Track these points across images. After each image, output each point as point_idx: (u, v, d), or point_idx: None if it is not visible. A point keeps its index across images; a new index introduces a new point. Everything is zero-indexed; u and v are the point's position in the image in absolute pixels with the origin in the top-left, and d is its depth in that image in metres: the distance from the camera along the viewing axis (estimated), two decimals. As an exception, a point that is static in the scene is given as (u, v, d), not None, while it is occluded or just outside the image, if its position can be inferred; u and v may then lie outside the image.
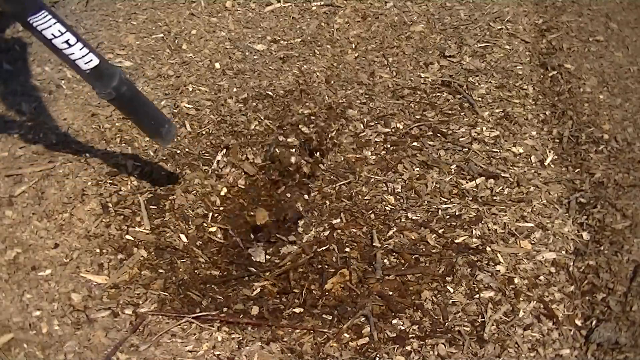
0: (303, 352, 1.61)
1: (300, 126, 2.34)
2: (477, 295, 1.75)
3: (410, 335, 1.65)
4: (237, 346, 1.60)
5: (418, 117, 2.40)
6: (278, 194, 2.19)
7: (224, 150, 2.25)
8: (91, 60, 1.59)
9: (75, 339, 1.59)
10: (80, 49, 1.56)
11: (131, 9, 2.90)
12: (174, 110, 2.37)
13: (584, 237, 1.92)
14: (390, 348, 1.61)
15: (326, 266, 1.87)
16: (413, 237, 1.93)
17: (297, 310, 1.76)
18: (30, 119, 2.24)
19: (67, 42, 1.54)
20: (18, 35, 2.72)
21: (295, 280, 1.87)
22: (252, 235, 2.05)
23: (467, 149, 2.23)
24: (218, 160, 2.22)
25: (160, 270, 1.84)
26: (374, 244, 1.91)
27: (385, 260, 1.86)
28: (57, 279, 1.72)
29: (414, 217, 2.00)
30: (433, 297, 1.75)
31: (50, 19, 1.50)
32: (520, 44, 2.78)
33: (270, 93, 2.52)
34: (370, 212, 2.02)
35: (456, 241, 1.91)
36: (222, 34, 2.82)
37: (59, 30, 1.52)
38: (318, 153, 2.26)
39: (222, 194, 2.13)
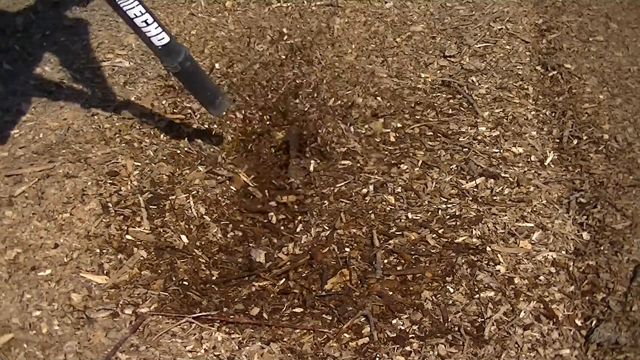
0: (303, 352, 1.61)
1: (300, 126, 2.34)
2: (477, 295, 1.75)
3: (410, 335, 1.65)
4: (237, 346, 1.60)
5: (418, 117, 2.40)
6: (278, 194, 2.19)
7: (224, 150, 2.25)
8: (163, 37, 1.83)
9: (75, 339, 1.59)
10: (156, 28, 1.81)
11: (131, 9, 2.90)
12: (174, 110, 2.38)
13: (584, 237, 1.92)
14: (390, 348, 1.61)
15: (326, 266, 1.87)
16: (413, 237, 1.93)
17: (297, 310, 1.76)
18: (30, 119, 2.24)
19: (145, 21, 1.78)
20: (18, 35, 2.72)
21: (295, 280, 1.87)
22: (252, 235, 2.06)
23: (467, 149, 2.23)
24: (218, 160, 2.22)
25: (160, 270, 1.84)
26: (374, 244, 1.91)
27: (385, 260, 1.86)
28: (57, 279, 1.72)
29: (414, 217, 2.00)
30: (433, 297, 1.75)
31: (134, 1, 1.74)
32: (520, 44, 2.78)
33: (270, 93, 2.52)
34: (370, 212, 2.02)
35: (456, 241, 1.91)
36: (222, 34, 2.82)
37: (140, 11, 1.76)
38: (318, 153, 2.26)
39: (222, 193, 2.13)
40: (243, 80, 2.58)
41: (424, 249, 1.90)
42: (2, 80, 2.43)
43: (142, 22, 1.78)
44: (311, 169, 2.21)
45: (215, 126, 2.35)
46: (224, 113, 2.15)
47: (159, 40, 1.84)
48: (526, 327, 1.66)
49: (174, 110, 2.38)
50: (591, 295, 1.75)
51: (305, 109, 2.43)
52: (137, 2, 1.75)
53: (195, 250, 1.94)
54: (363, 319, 1.69)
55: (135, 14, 1.76)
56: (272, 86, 2.55)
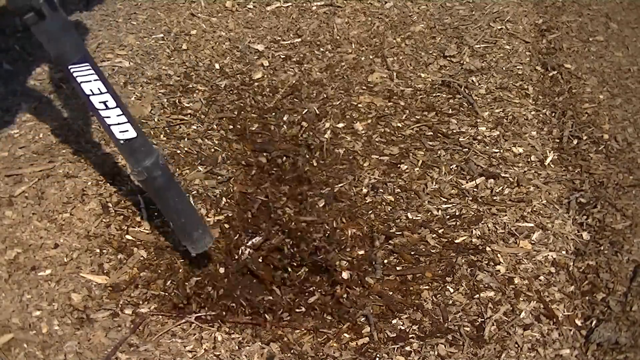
0: (303, 352, 1.61)
1: (300, 126, 2.34)
2: (477, 295, 1.75)
3: (410, 335, 1.65)
4: (237, 346, 1.60)
5: (418, 117, 2.40)
6: (278, 193, 2.19)
7: (225, 150, 2.25)
8: (127, 130, 1.47)
9: (75, 339, 1.59)
10: (118, 115, 1.44)
11: (131, 9, 2.91)
12: (174, 110, 2.37)
13: (584, 237, 1.92)
14: (390, 348, 1.61)
15: (326, 266, 1.87)
16: (413, 237, 1.93)
17: (297, 310, 1.76)
18: (30, 119, 2.24)
19: (105, 103, 1.42)
20: (18, 35, 2.72)
21: (295, 280, 1.87)
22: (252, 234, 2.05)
23: (467, 149, 2.23)
24: (219, 161, 2.22)
25: (160, 270, 1.83)
26: (374, 244, 1.91)
27: (385, 260, 1.86)
28: (57, 279, 1.72)
29: (414, 217, 2.00)
30: (433, 297, 1.75)
31: (92, 74, 1.39)
32: (520, 44, 2.78)
33: (270, 93, 2.52)
34: (370, 212, 2.02)
35: (456, 241, 1.91)
36: (222, 34, 2.82)
37: (99, 89, 1.41)
38: (318, 153, 2.26)
39: (223, 193, 2.13)
40: (243, 81, 2.58)
41: (424, 249, 1.90)
42: (2, 80, 2.43)
43: (99, 102, 1.41)
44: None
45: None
46: (205, 249, 1.71)
47: (120, 132, 1.46)
48: (526, 327, 1.66)
49: (174, 110, 2.38)
50: (591, 295, 1.75)
51: (305, 109, 2.43)
52: (95, 76, 1.38)
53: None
54: (363, 319, 1.69)
55: (91, 90, 1.39)
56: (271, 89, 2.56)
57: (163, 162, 1.57)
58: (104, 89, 1.41)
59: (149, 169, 1.53)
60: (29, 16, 1.30)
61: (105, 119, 1.45)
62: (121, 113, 1.44)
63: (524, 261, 1.84)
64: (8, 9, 1.34)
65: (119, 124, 1.45)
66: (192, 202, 1.79)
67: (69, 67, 1.38)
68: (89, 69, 1.38)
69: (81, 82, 1.39)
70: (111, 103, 1.42)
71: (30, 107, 2.29)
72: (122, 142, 1.49)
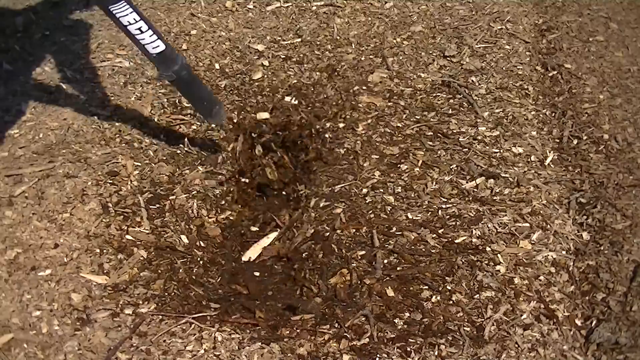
0: (303, 352, 1.60)
1: (300, 126, 2.34)
2: (477, 295, 1.75)
3: (410, 335, 1.65)
4: (237, 346, 1.60)
5: (418, 117, 2.40)
6: (278, 193, 2.19)
7: (224, 150, 2.25)
8: (158, 46, 1.80)
9: (75, 339, 1.59)
10: (150, 36, 1.77)
11: (131, 9, 2.90)
12: (174, 110, 2.38)
13: (584, 237, 1.92)
14: (390, 348, 1.61)
15: (326, 266, 1.87)
16: (413, 237, 1.93)
17: (297, 310, 1.76)
18: (30, 119, 2.24)
19: (139, 29, 1.75)
20: (18, 35, 2.72)
21: (295, 280, 1.87)
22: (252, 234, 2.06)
23: (467, 149, 2.23)
24: (219, 161, 2.22)
25: (160, 270, 1.83)
26: (374, 244, 1.91)
27: (385, 261, 1.86)
28: (57, 279, 1.72)
29: (414, 217, 2.00)
30: (433, 297, 1.75)
31: (127, 8, 1.70)
32: (520, 44, 2.78)
33: (270, 93, 2.52)
34: (370, 212, 2.02)
35: (456, 241, 1.91)
36: (222, 34, 2.82)
37: (134, 19, 1.73)
38: (318, 153, 2.26)
39: (223, 193, 2.13)
40: (243, 81, 2.58)
41: (424, 249, 1.89)
42: (2, 80, 2.44)
43: (136, 29, 1.75)
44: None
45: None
46: (222, 122, 2.14)
47: (153, 48, 1.81)
48: (526, 327, 1.66)
49: (174, 110, 2.38)
50: (591, 295, 1.75)
51: (305, 110, 2.43)
52: (130, 9, 1.71)
53: (195, 250, 1.94)
54: (363, 319, 1.69)
55: (129, 22, 1.73)
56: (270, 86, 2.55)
57: (185, 61, 1.92)
58: (137, 18, 1.73)
59: (177, 71, 1.88)
60: None
61: (141, 40, 1.78)
62: (152, 33, 1.78)
63: (524, 261, 1.84)
64: None
65: (152, 42, 1.79)
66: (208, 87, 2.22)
67: (109, 7, 1.69)
68: (125, 5, 1.70)
69: (120, 17, 1.71)
70: (144, 27, 1.75)
71: (30, 107, 2.29)
72: (155, 55, 1.82)
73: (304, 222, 2.02)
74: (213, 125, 2.23)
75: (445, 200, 2.05)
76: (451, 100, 2.47)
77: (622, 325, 1.63)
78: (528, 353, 1.60)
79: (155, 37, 1.79)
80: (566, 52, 2.77)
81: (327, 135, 2.32)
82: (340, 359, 1.59)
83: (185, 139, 2.24)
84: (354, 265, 1.85)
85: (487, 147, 2.24)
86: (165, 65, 1.87)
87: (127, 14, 1.72)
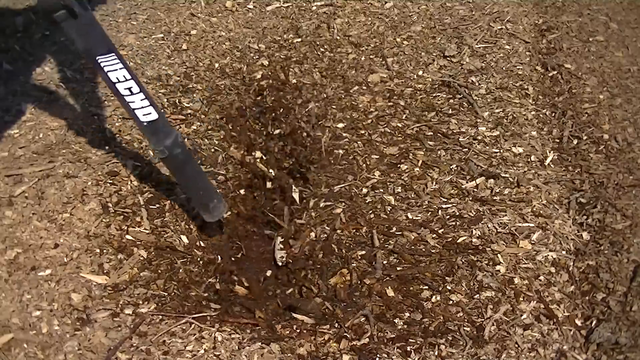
0: (303, 352, 1.60)
1: (300, 126, 2.34)
2: (477, 295, 1.75)
3: (410, 335, 1.65)
4: (237, 346, 1.60)
5: (418, 117, 2.40)
6: (278, 193, 2.19)
7: (225, 150, 2.25)
8: (150, 113, 1.59)
9: (75, 339, 1.59)
10: (142, 100, 1.57)
11: (131, 9, 2.91)
12: (174, 110, 2.37)
13: (584, 237, 1.92)
14: (390, 348, 1.61)
15: (326, 266, 1.87)
16: (413, 237, 1.93)
17: (297, 310, 1.76)
18: (30, 119, 2.24)
19: (129, 89, 1.54)
20: (18, 35, 2.72)
21: (295, 281, 1.87)
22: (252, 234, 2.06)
23: (467, 149, 2.23)
24: (219, 161, 2.22)
25: (160, 270, 1.83)
26: (374, 244, 1.91)
27: (385, 261, 1.86)
28: (57, 279, 1.72)
29: (414, 217, 2.00)
30: (433, 297, 1.75)
31: (117, 63, 1.50)
32: (520, 44, 2.78)
33: (270, 93, 2.52)
34: (370, 212, 2.02)
35: (456, 241, 1.91)
36: (222, 34, 2.82)
37: (124, 76, 1.52)
38: (318, 153, 2.26)
39: (223, 193, 2.13)
40: (243, 81, 2.58)
41: (424, 249, 1.89)
42: (2, 80, 2.43)
43: (125, 89, 1.54)
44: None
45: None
46: (221, 217, 1.87)
47: (144, 115, 1.59)
48: (526, 327, 1.66)
49: (174, 110, 2.38)
50: (591, 295, 1.74)
51: (305, 110, 2.43)
52: (121, 65, 1.50)
53: (195, 250, 1.94)
54: (363, 319, 1.69)
55: (117, 78, 1.52)
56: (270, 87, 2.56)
57: (182, 140, 1.70)
58: (128, 76, 1.53)
59: (170, 147, 1.66)
60: (60, 13, 1.41)
61: (130, 103, 1.56)
62: (144, 97, 1.57)
63: (524, 261, 1.84)
64: (39, 6, 1.43)
65: (142, 107, 1.57)
66: (207, 176, 1.93)
67: (97, 58, 1.48)
68: (115, 59, 1.49)
69: (108, 71, 1.50)
70: (135, 89, 1.54)
71: (30, 107, 2.29)
72: (145, 124, 1.61)
73: (304, 222, 2.02)
74: (207, 220, 1.89)
75: (445, 200, 2.05)
76: (451, 100, 2.47)
77: (622, 325, 1.63)
78: (528, 353, 1.60)
79: (147, 102, 1.57)
80: (566, 52, 2.77)
81: (327, 135, 2.32)
82: (340, 359, 1.59)
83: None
84: (354, 265, 1.85)
85: (487, 147, 2.24)
86: (156, 138, 1.64)
87: (117, 69, 1.51)
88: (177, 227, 1.98)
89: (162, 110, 2.36)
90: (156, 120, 1.61)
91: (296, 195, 2.12)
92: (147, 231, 1.92)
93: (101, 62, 1.49)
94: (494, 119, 2.37)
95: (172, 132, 1.67)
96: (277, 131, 2.37)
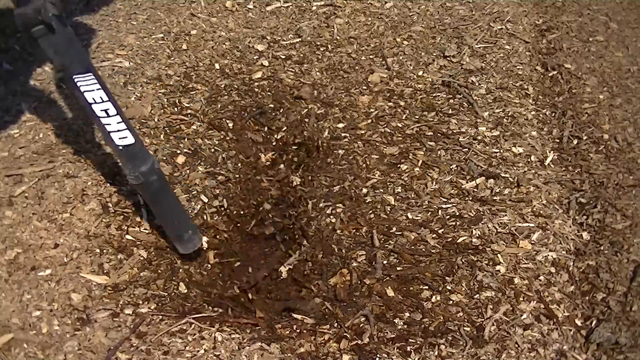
0: (303, 352, 1.60)
1: (300, 126, 2.34)
2: (477, 295, 1.75)
3: (410, 335, 1.65)
4: (237, 346, 1.60)
5: (418, 117, 2.40)
6: (278, 193, 2.19)
7: (225, 150, 2.25)
8: (126, 137, 1.55)
9: (75, 339, 1.59)
10: (118, 123, 1.52)
11: (131, 9, 2.91)
12: (174, 110, 2.37)
13: (584, 237, 1.92)
14: (390, 348, 1.61)
15: (326, 266, 1.87)
16: (413, 237, 1.93)
17: (297, 310, 1.76)
18: (30, 119, 2.24)
19: (106, 111, 1.50)
20: (18, 35, 2.72)
21: (295, 281, 1.87)
22: (252, 234, 2.05)
23: (467, 149, 2.23)
24: (219, 161, 2.22)
25: (160, 270, 1.83)
26: (374, 244, 1.91)
27: (385, 261, 1.86)
28: (57, 279, 1.72)
29: (414, 217, 2.00)
30: (433, 297, 1.75)
31: (94, 84, 1.46)
32: (520, 44, 2.78)
33: (270, 93, 2.52)
34: (370, 212, 2.02)
35: (456, 241, 1.91)
36: (222, 34, 2.82)
37: (101, 97, 1.48)
38: (318, 153, 2.26)
39: (223, 193, 2.13)
40: (243, 81, 2.58)
41: (424, 249, 1.89)
42: (2, 80, 2.43)
43: (101, 110, 1.48)
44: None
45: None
46: (195, 249, 1.81)
47: (119, 138, 1.54)
48: (526, 327, 1.66)
49: (174, 110, 2.38)
50: (591, 295, 1.74)
51: (305, 110, 2.43)
52: (98, 86, 1.46)
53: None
54: (363, 319, 1.69)
55: (94, 99, 1.47)
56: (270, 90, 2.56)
57: (158, 167, 1.65)
58: (105, 98, 1.48)
59: (145, 173, 1.60)
60: (37, 29, 1.37)
61: (106, 125, 1.52)
62: (121, 120, 1.52)
63: (524, 261, 1.84)
64: (17, 21, 1.38)
65: (118, 130, 1.52)
66: (183, 206, 1.87)
67: (73, 77, 1.44)
68: (92, 79, 1.45)
69: (84, 91, 1.46)
70: (112, 111, 1.49)
71: (30, 107, 2.29)
72: (120, 148, 1.56)
73: (304, 223, 2.02)
74: (181, 251, 1.83)
75: (445, 200, 2.05)
76: (451, 100, 2.47)
77: (622, 325, 1.63)
78: (528, 353, 1.60)
79: (124, 125, 1.52)
80: (566, 52, 2.77)
81: (327, 135, 2.32)
82: (340, 359, 1.59)
83: (185, 139, 2.24)
84: (354, 265, 1.85)
85: (487, 147, 2.24)
86: (131, 163, 1.60)
87: (94, 90, 1.46)
88: (177, 227, 1.98)
89: (162, 110, 2.36)
90: (132, 145, 1.57)
91: (296, 195, 2.12)
92: (147, 231, 1.92)
93: (77, 81, 1.45)
94: (494, 119, 2.37)
95: (149, 157, 1.62)
96: (277, 131, 2.37)
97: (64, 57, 1.44)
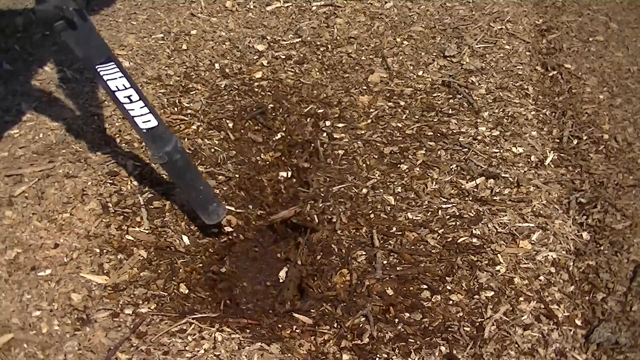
0: (303, 352, 1.60)
1: (300, 126, 2.34)
2: (477, 295, 1.75)
3: (410, 335, 1.65)
4: (237, 346, 1.60)
5: (418, 117, 2.40)
6: (278, 194, 2.19)
7: (225, 150, 2.25)
8: (149, 120, 1.62)
9: (75, 339, 1.59)
10: (141, 107, 1.59)
11: (131, 9, 2.91)
12: (174, 110, 2.37)
13: (584, 237, 1.92)
14: (390, 348, 1.61)
15: (326, 266, 1.87)
16: (413, 237, 1.93)
17: (297, 310, 1.76)
18: (30, 119, 2.24)
19: (129, 97, 1.56)
20: (18, 35, 2.72)
21: (295, 280, 1.87)
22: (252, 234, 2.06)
23: (467, 149, 2.23)
24: (219, 161, 2.22)
25: (160, 270, 1.83)
26: (374, 244, 1.91)
27: (385, 261, 1.86)
28: (57, 279, 1.72)
29: (414, 217, 2.00)
30: (433, 297, 1.75)
31: (117, 72, 1.52)
32: (520, 44, 2.78)
33: (270, 93, 2.52)
34: (370, 212, 2.02)
35: (456, 241, 1.91)
36: (222, 34, 2.82)
37: (124, 85, 1.54)
38: (318, 153, 2.26)
39: (223, 194, 2.13)
40: (243, 81, 2.58)
41: (424, 249, 1.89)
42: (2, 80, 2.43)
43: (124, 97, 1.56)
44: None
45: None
46: (220, 220, 1.91)
47: (144, 122, 1.62)
48: (526, 327, 1.66)
49: (174, 110, 2.38)
50: (591, 295, 1.74)
51: (305, 110, 2.43)
52: (120, 74, 1.52)
53: (195, 250, 1.94)
54: (363, 319, 1.69)
55: (117, 87, 1.54)
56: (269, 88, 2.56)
57: (180, 145, 1.74)
58: (127, 85, 1.54)
59: (170, 153, 1.69)
60: (59, 24, 1.40)
61: (130, 111, 1.59)
62: (144, 105, 1.59)
63: (524, 261, 1.84)
64: (38, 16, 1.42)
65: (142, 115, 1.60)
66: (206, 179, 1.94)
67: (96, 67, 1.50)
68: (114, 68, 1.51)
69: (107, 79, 1.52)
70: (135, 97, 1.56)
71: (30, 107, 2.29)
72: (144, 131, 1.64)
73: (304, 222, 2.02)
74: (207, 222, 1.92)
75: (445, 200, 2.05)
76: (451, 100, 2.47)
77: (622, 325, 1.63)
78: (528, 353, 1.60)
79: (146, 109, 1.60)
80: (566, 52, 2.77)
81: (326, 136, 2.32)
82: (340, 359, 1.59)
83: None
84: (354, 265, 1.85)
85: (487, 147, 2.24)
86: (155, 145, 1.68)
87: (116, 78, 1.53)
88: (177, 227, 1.98)
89: (162, 110, 2.36)
90: (156, 127, 1.64)
91: (296, 195, 2.12)
92: (147, 231, 1.92)
93: (100, 71, 1.50)
94: (494, 119, 2.37)
95: (171, 138, 1.70)
96: (277, 131, 2.37)
97: (86, 48, 1.48)
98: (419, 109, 2.44)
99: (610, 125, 2.35)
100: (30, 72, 2.49)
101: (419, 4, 3.02)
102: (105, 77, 1.52)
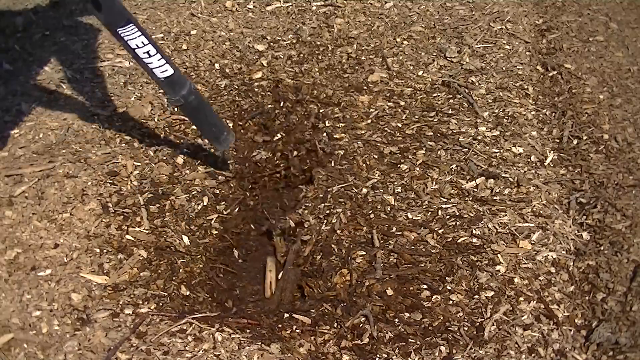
0: (303, 352, 1.60)
1: (300, 126, 2.34)
2: (477, 295, 1.75)
3: (410, 335, 1.65)
4: (237, 346, 1.60)
5: (418, 117, 2.40)
6: (278, 194, 2.19)
7: (225, 150, 2.25)
8: (166, 70, 1.79)
9: (75, 339, 1.59)
10: (159, 60, 1.76)
11: (131, 9, 2.90)
12: (174, 110, 2.37)
13: (584, 237, 1.92)
14: (390, 348, 1.61)
15: (326, 266, 1.87)
16: (413, 237, 1.93)
17: (297, 310, 1.76)
18: (30, 119, 2.24)
19: (148, 52, 1.73)
20: (18, 35, 2.72)
21: (295, 280, 1.87)
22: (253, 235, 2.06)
23: (467, 149, 2.23)
24: (219, 161, 2.22)
25: (160, 270, 1.84)
26: (374, 244, 1.91)
27: (385, 261, 1.86)
28: (57, 279, 1.72)
29: (414, 217, 2.00)
30: (433, 297, 1.75)
31: (136, 31, 1.69)
32: (520, 44, 2.78)
33: (270, 93, 2.52)
34: (370, 212, 2.02)
35: (456, 241, 1.91)
36: (222, 34, 2.82)
37: (142, 42, 1.71)
38: (318, 153, 2.26)
39: (223, 194, 2.13)
40: (243, 81, 2.58)
41: (424, 249, 1.89)
42: (2, 80, 2.44)
43: (144, 53, 1.73)
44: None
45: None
46: (229, 147, 2.14)
47: (161, 72, 1.79)
48: (526, 327, 1.66)
49: (174, 110, 2.38)
50: (591, 295, 1.74)
51: (305, 110, 2.43)
52: (139, 33, 1.70)
53: (195, 250, 1.94)
54: (363, 319, 1.69)
55: (137, 45, 1.71)
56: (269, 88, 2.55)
57: (194, 87, 1.90)
58: (146, 42, 1.71)
59: (185, 96, 1.86)
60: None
61: (149, 64, 1.76)
62: (160, 57, 1.76)
63: (524, 261, 1.84)
64: None
65: (159, 66, 1.77)
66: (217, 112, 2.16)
67: (117, 30, 1.67)
68: (134, 28, 1.68)
69: (128, 40, 1.69)
70: (152, 51, 1.74)
71: (30, 107, 2.29)
72: (162, 79, 1.81)
73: (304, 222, 2.02)
74: (218, 153, 2.17)
75: (445, 200, 2.05)
76: (451, 100, 2.47)
77: (622, 325, 1.63)
78: (528, 353, 1.60)
79: (163, 61, 1.77)
80: (566, 52, 2.77)
81: (327, 135, 2.32)
82: (340, 359, 1.59)
83: (185, 139, 2.24)
84: (354, 265, 1.85)
85: (487, 147, 2.24)
86: (173, 90, 1.85)
87: (136, 37, 1.70)
88: (177, 227, 1.98)
89: (162, 111, 2.36)
90: (172, 75, 1.80)
91: (296, 196, 2.12)
92: (147, 231, 1.93)
93: (121, 33, 1.67)
94: (494, 119, 2.37)
95: (186, 82, 1.87)
96: (277, 131, 2.37)
97: (107, 16, 1.66)
98: (419, 109, 2.44)
99: (610, 125, 2.35)
100: (30, 72, 2.49)
101: (419, 4, 3.02)
102: (126, 38, 1.69)
